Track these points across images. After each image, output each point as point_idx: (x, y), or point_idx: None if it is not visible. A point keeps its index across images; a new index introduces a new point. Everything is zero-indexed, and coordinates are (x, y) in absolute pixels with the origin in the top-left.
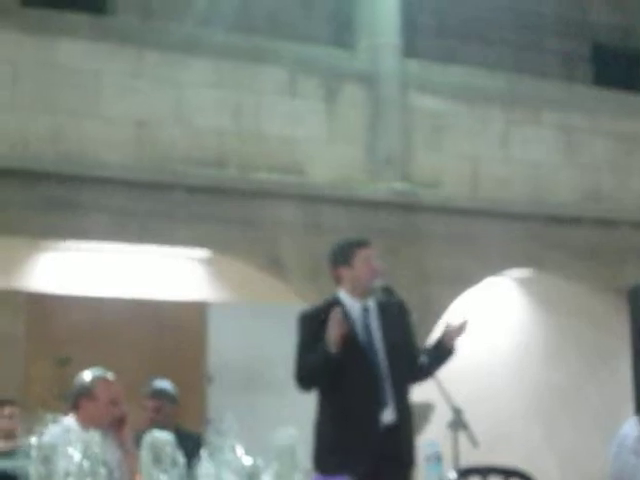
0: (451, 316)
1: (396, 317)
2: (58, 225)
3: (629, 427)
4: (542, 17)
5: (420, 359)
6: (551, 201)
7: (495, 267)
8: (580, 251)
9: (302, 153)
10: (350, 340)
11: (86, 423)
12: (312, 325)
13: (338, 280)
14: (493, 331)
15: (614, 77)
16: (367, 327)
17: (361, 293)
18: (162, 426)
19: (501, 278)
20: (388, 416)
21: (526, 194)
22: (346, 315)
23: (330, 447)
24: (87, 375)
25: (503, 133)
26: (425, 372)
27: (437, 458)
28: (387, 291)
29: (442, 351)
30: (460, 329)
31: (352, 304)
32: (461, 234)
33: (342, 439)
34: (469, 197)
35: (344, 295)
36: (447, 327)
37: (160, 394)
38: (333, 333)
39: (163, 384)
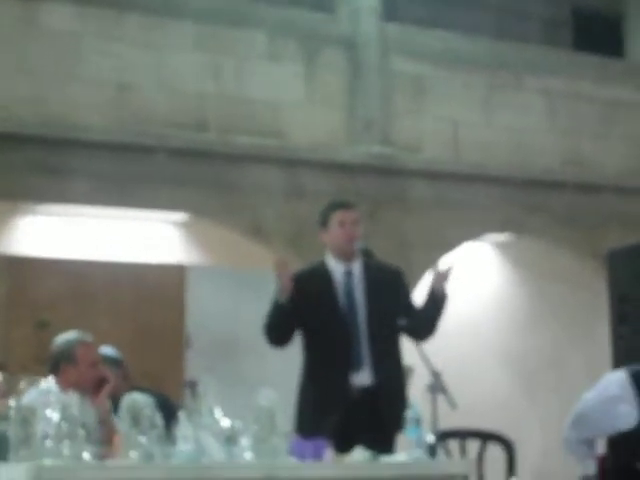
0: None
1: (385, 281)
2: (39, 188)
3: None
4: None
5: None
6: (532, 166)
7: (475, 231)
8: (561, 216)
9: (282, 117)
10: (329, 302)
11: (67, 386)
12: (280, 311)
13: (322, 243)
14: (473, 295)
15: (594, 42)
16: (349, 290)
17: (341, 256)
18: (111, 390)
19: (481, 242)
20: (364, 379)
21: (507, 159)
22: (328, 278)
23: (306, 407)
24: (66, 338)
25: (485, 98)
26: (425, 326)
27: (416, 421)
28: (367, 254)
29: (436, 298)
30: (446, 274)
31: (336, 268)
32: (441, 198)
33: (315, 399)
34: (450, 161)
35: (330, 259)
36: (434, 274)
37: (103, 359)
38: (279, 281)
39: (105, 349)
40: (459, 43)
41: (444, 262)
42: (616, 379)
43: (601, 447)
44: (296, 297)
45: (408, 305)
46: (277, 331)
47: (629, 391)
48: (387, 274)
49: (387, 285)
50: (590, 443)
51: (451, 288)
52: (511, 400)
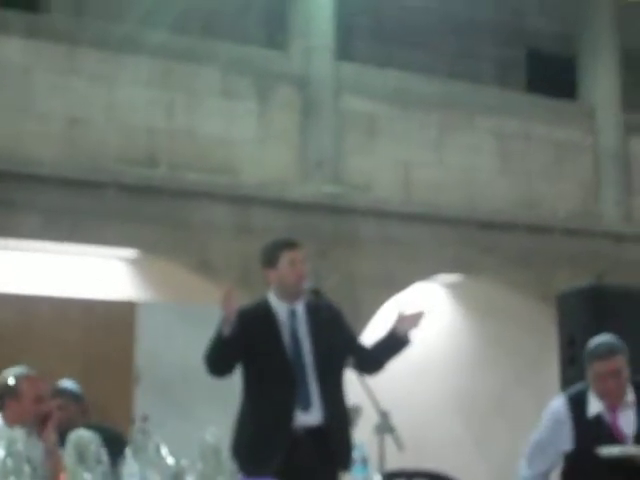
0: (384, 321)
1: (327, 319)
2: None
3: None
4: (477, 23)
5: (367, 352)
6: (484, 207)
7: (425, 272)
8: (512, 257)
9: (234, 154)
10: (274, 342)
11: (11, 422)
12: (222, 343)
13: (267, 282)
14: (423, 335)
15: (548, 84)
16: (294, 331)
17: (287, 295)
18: (66, 424)
19: (431, 283)
20: (312, 419)
21: (459, 199)
22: (272, 318)
23: (248, 445)
24: (10, 374)
25: (437, 138)
26: (375, 364)
27: (363, 461)
28: (316, 294)
29: (395, 341)
30: (415, 319)
31: (280, 307)
32: (392, 238)
33: (259, 438)
34: (401, 201)
35: (273, 298)
36: (400, 316)
37: (62, 393)
38: (224, 312)
39: (66, 383)
40: (412, 83)
41: (408, 304)
42: (555, 405)
43: None
44: (239, 333)
45: (351, 340)
46: (218, 363)
47: (566, 414)
48: (327, 312)
49: (329, 323)
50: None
51: (415, 335)
52: (459, 441)
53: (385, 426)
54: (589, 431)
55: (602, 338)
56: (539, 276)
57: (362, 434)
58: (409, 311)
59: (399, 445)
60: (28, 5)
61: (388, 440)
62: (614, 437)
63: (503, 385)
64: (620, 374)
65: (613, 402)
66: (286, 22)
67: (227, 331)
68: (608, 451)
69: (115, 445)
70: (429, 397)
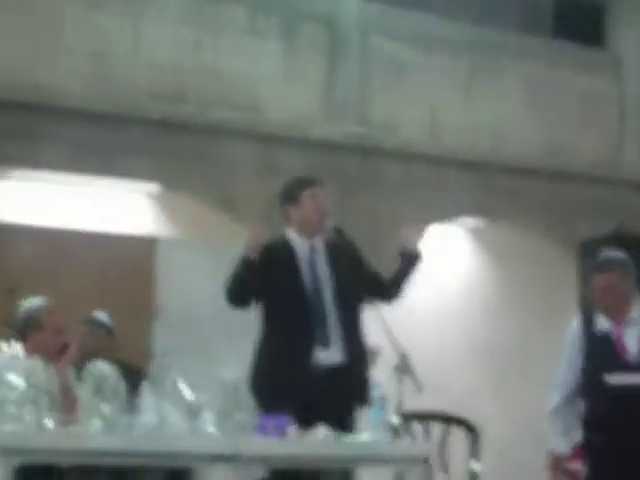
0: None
1: (346, 256)
2: (13, 153)
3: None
4: None
5: (387, 281)
6: (508, 152)
7: (448, 215)
8: (535, 203)
9: (259, 92)
10: (293, 277)
11: (33, 352)
12: (247, 268)
13: (287, 219)
14: (444, 279)
15: (575, 31)
16: (313, 266)
17: (309, 232)
18: (94, 353)
19: (453, 226)
20: (332, 357)
21: (484, 144)
22: (292, 253)
23: (266, 382)
24: (33, 304)
25: (463, 82)
26: (394, 288)
27: (381, 401)
28: (338, 232)
29: (407, 259)
30: (417, 230)
31: (300, 242)
32: (416, 180)
33: (278, 375)
34: (426, 143)
35: (292, 234)
36: (405, 231)
37: (94, 322)
38: (249, 239)
39: (99, 314)
40: (439, 26)
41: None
42: (572, 325)
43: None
44: (259, 268)
45: (372, 276)
46: (240, 289)
47: (578, 332)
48: (347, 249)
49: (349, 260)
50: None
51: (422, 248)
52: (477, 384)
53: (404, 367)
54: (596, 348)
55: (606, 252)
56: (561, 223)
57: (381, 374)
58: (409, 227)
59: (418, 386)
60: None
61: (406, 381)
62: (618, 353)
63: (523, 331)
64: (616, 288)
65: (613, 316)
66: None
67: (250, 254)
68: (615, 379)
69: (135, 380)
70: (449, 341)
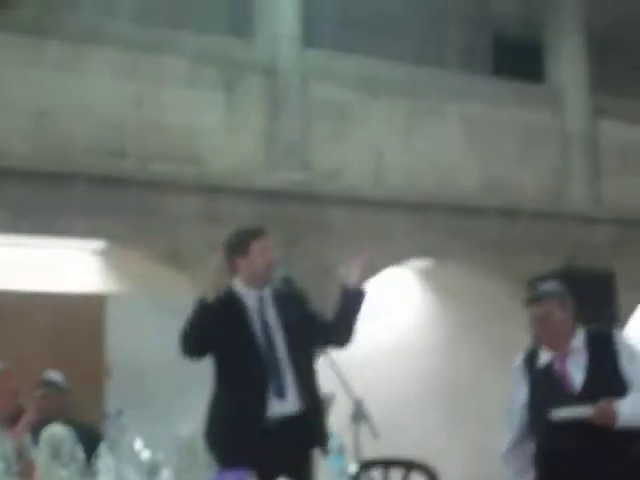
0: None
1: (293, 305)
2: None
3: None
4: (444, 8)
5: (334, 323)
6: (453, 191)
7: (395, 257)
8: (482, 241)
9: (202, 144)
10: (245, 331)
11: None
12: (204, 310)
13: (234, 270)
14: (395, 321)
15: (514, 69)
16: (263, 317)
17: (257, 283)
18: (50, 415)
19: (402, 268)
20: (288, 407)
21: (429, 184)
22: (241, 305)
23: (222, 436)
24: None
25: (406, 124)
26: (343, 330)
27: (339, 450)
28: (287, 281)
29: (351, 298)
30: (359, 265)
31: (248, 294)
32: (362, 224)
33: (233, 429)
34: (371, 187)
35: (239, 285)
36: (345, 267)
37: (48, 383)
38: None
39: (52, 375)
40: (379, 69)
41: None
42: (514, 366)
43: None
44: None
45: (321, 322)
46: (196, 337)
47: (522, 366)
48: (291, 296)
49: (298, 308)
50: (528, 455)
51: (366, 284)
52: (433, 426)
53: (360, 414)
54: (539, 382)
55: (541, 284)
56: (509, 260)
57: (337, 423)
58: (351, 262)
59: (374, 433)
60: None
61: (363, 428)
62: (562, 385)
63: (475, 368)
64: (553, 318)
65: (553, 347)
66: (251, 10)
67: (210, 297)
68: (557, 413)
69: (90, 441)
70: (402, 383)
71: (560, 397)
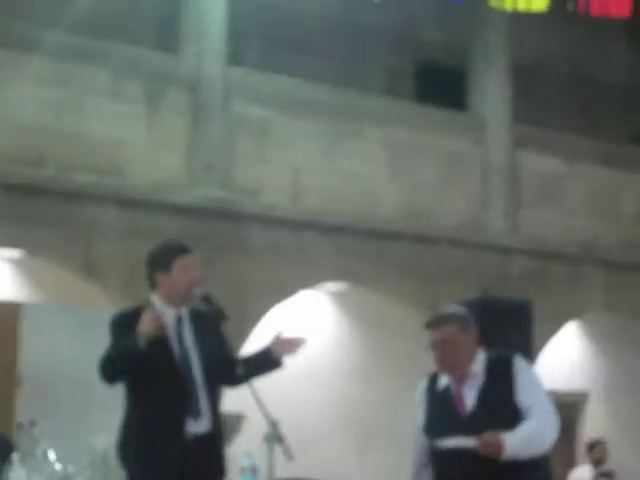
0: (270, 326)
1: (210, 325)
2: None
3: None
4: (369, 31)
5: (238, 366)
6: (372, 215)
7: (311, 279)
8: (398, 267)
9: (122, 156)
10: (162, 349)
11: None
12: (120, 331)
13: (154, 285)
14: (309, 344)
15: (438, 95)
16: (180, 335)
17: (177, 301)
18: None
19: (317, 291)
20: (202, 426)
21: (347, 207)
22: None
23: (137, 454)
24: None
25: (327, 145)
26: (242, 379)
27: (252, 470)
28: (206, 299)
29: (268, 361)
30: (294, 344)
31: (165, 311)
32: (279, 244)
33: (149, 447)
34: (290, 207)
35: (157, 301)
36: (279, 338)
37: None
38: (145, 327)
39: None
40: (302, 90)
41: (277, 318)
42: (416, 392)
43: None
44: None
45: (228, 347)
46: (123, 371)
47: (423, 391)
48: (209, 316)
49: (211, 330)
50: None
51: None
52: (344, 451)
53: (274, 435)
54: (436, 407)
55: (440, 309)
56: (425, 287)
57: (251, 443)
58: (289, 335)
59: (288, 455)
60: None
61: (277, 450)
62: (455, 409)
63: (388, 392)
64: (449, 344)
65: (451, 371)
66: (178, 25)
67: (142, 344)
68: (443, 442)
69: (4, 451)
70: (315, 406)
71: (451, 421)
